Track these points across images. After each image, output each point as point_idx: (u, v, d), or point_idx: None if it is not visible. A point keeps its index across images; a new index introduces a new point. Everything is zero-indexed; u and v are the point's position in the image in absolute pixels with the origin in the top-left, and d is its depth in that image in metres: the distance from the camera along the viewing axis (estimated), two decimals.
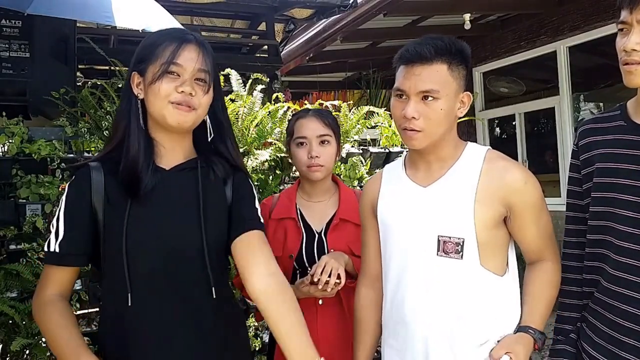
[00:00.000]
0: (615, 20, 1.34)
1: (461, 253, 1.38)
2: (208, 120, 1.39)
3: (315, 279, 1.60)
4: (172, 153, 1.37)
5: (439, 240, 1.40)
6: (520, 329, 1.42)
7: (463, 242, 1.37)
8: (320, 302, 1.75)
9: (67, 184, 1.36)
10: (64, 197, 1.33)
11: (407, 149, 1.54)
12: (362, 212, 1.64)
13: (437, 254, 1.40)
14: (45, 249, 1.33)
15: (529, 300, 1.45)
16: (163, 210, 1.32)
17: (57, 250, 1.30)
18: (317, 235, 1.82)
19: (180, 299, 1.32)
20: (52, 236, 1.32)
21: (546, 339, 1.42)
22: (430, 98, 1.36)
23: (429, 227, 1.42)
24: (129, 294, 1.28)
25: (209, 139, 1.40)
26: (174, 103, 1.28)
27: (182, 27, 2.98)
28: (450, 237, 1.38)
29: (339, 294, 1.70)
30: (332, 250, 1.76)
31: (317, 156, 1.79)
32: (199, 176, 1.35)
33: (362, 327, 1.60)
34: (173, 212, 1.33)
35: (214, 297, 1.33)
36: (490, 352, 1.38)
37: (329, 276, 1.59)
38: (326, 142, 1.83)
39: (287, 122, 2.99)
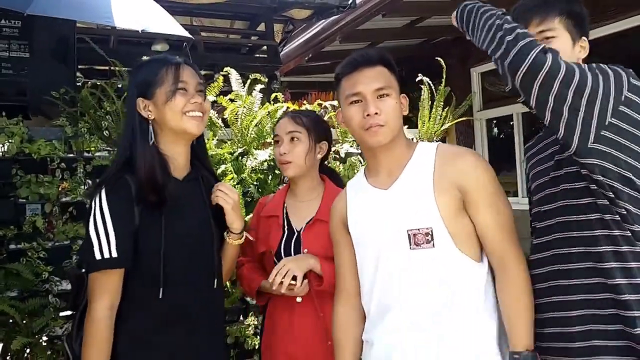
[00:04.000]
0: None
1: (432, 242, 1.42)
2: None
3: (270, 280, 1.70)
4: (182, 165, 1.59)
5: (409, 235, 1.43)
6: (512, 355, 1.37)
7: (432, 230, 1.42)
8: (298, 299, 1.79)
9: (103, 194, 1.44)
10: (105, 206, 1.43)
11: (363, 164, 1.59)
12: (332, 231, 1.67)
13: (410, 248, 1.43)
14: (98, 256, 1.40)
15: (511, 318, 1.40)
16: (187, 214, 1.55)
17: (115, 254, 1.41)
18: (296, 234, 1.86)
19: (199, 289, 1.53)
20: (104, 243, 1.41)
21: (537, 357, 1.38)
22: (384, 95, 1.49)
23: (397, 225, 1.46)
24: (161, 289, 1.44)
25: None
26: (188, 113, 1.52)
27: (184, 30, 3.01)
28: (419, 229, 1.43)
29: (311, 294, 1.77)
30: (306, 249, 1.80)
31: (284, 153, 1.85)
32: (202, 186, 1.60)
33: (342, 345, 1.61)
34: (194, 215, 1.57)
35: (216, 287, 1.58)
36: None
37: (284, 277, 1.69)
38: (295, 139, 1.87)
39: None
